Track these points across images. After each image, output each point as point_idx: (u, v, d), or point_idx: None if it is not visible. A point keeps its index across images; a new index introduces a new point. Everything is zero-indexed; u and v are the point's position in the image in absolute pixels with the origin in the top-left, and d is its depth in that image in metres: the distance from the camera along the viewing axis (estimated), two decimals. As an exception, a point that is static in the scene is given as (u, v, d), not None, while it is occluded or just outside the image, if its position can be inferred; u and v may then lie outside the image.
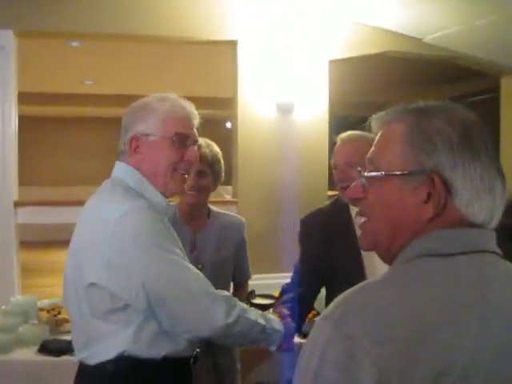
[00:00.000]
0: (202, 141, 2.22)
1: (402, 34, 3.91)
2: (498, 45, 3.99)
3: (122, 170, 1.58)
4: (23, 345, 2.58)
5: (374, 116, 0.99)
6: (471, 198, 0.85)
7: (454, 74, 5.24)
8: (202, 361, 1.77)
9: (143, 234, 1.45)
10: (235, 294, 2.32)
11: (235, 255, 2.32)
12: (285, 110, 3.62)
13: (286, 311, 1.83)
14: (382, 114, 0.98)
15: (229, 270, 2.31)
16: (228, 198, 4.27)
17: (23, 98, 3.67)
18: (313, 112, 3.69)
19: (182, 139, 1.57)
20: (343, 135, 2.28)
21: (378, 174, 0.91)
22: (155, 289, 1.43)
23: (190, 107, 1.64)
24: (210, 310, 1.46)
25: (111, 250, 1.41)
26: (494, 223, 0.88)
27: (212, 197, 2.31)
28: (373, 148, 0.96)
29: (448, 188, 0.85)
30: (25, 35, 3.45)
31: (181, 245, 1.60)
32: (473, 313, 0.79)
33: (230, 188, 3.88)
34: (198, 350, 1.65)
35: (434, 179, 0.85)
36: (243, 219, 2.41)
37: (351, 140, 2.23)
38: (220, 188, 2.46)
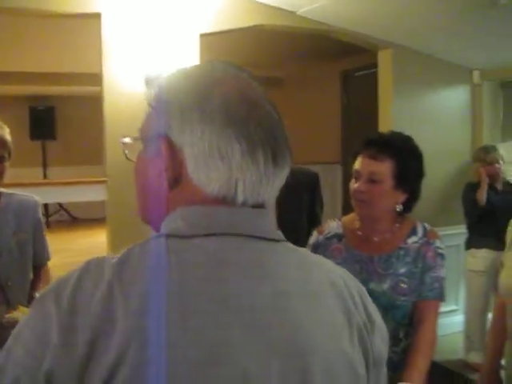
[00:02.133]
0: None
1: (275, 7, 3.88)
2: (372, 19, 4.05)
3: None
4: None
5: None
6: (199, 166, 0.77)
7: (342, 48, 5.30)
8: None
9: None
10: (35, 277, 2.23)
11: (33, 236, 2.22)
12: (154, 85, 3.51)
13: None
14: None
15: (30, 253, 2.20)
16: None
17: None
18: (184, 87, 3.60)
19: None
20: None
21: (127, 140, 0.87)
22: None
23: None
24: None
25: None
26: (243, 198, 0.77)
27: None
28: None
29: (179, 155, 0.78)
30: None
31: None
32: (174, 301, 0.70)
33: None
34: None
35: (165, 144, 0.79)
36: (37, 198, 2.28)
37: None
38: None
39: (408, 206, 1.94)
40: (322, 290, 0.80)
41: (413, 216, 2.02)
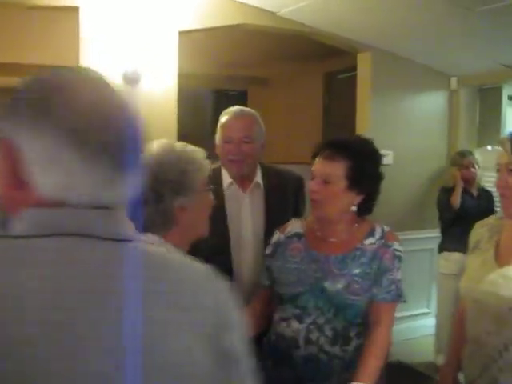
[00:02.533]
0: None
1: (256, 7, 3.89)
2: (351, 21, 4.07)
3: None
4: None
5: None
6: (39, 170, 0.78)
7: (325, 51, 5.30)
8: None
9: None
10: None
11: None
12: (131, 81, 3.50)
13: None
14: None
15: None
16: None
17: None
18: (161, 83, 3.60)
19: None
20: (235, 110, 2.30)
21: None
22: None
23: None
24: None
25: None
26: (83, 201, 0.80)
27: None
28: None
29: (22, 158, 0.79)
30: None
31: None
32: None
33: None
34: None
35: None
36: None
37: (245, 115, 2.26)
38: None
39: (366, 207, 1.96)
40: (163, 289, 0.81)
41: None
